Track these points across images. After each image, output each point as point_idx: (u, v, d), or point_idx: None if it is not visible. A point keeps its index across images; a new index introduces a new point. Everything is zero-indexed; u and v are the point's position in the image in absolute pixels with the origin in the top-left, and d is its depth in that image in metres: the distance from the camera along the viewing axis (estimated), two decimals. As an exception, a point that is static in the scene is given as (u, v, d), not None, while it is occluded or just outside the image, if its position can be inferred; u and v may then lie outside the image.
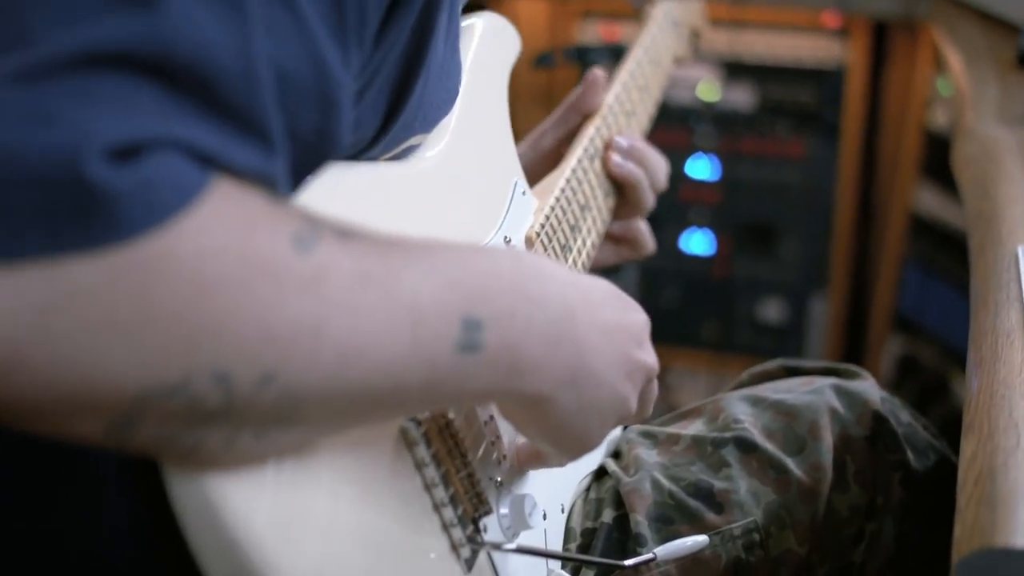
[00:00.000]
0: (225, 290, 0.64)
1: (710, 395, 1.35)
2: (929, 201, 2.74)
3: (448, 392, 0.77)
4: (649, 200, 1.31)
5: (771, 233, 3.02)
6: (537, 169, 1.28)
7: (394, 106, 0.88)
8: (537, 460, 1.01)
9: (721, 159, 3.00)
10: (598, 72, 1.32)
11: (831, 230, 2.99)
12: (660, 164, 1.31)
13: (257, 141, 0.68)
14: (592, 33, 3.01)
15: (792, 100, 2.95)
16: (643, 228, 1.34)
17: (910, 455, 1.19)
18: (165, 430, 0.66)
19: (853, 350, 3.05)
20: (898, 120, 2.88)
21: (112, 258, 0.60)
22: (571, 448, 0.93)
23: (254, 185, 0.68)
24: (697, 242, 3.06)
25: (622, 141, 1.28)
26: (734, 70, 2.96)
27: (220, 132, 0.66)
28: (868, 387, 1.25)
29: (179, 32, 0.64)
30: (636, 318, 0.95)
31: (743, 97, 2.97)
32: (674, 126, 3.01)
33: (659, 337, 3.03)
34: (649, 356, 0.96)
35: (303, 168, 0.77)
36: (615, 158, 1.27)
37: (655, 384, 1.00)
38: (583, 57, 1.97)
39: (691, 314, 3.10)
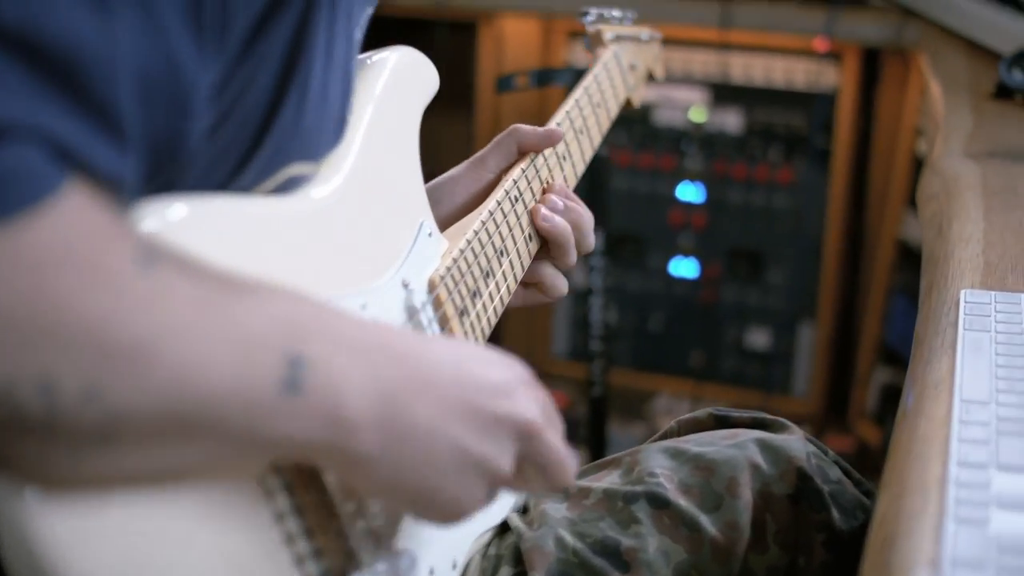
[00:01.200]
0: (62, 296, 0.62)
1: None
2: (918, 230, 2.68)
3: (269, 434, 0.73)
4: (572, 258, 1.24)
5: (759, 259, 2.98)
6: (474, 200, 1.23)
7: (265, 125, 0.84)
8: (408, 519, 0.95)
9: (708, 184, 2.96)
10: (560, 132, 1.27)
11: (819, 257, 2.94)
12: (589, 226, 1.25)
13: (115, 139, 0.67)
14: (582, 54, 2.97)
15: (782, 124, 2.91)
16: (557, 273, 1.27)
17: (835, 515, 1.14)
18: None
19: (840, 379, 3.00)
20: (888, 147, 2.84)
21: None
22: (427, 510, 0.85)
23: (105, 189, 0.67)
24: (684, 267, 3.01)
25: (557, 200, 1.23)
26: (722, 93, 2.92)
27: (81, 125, 0.65)
28: (794, 442, 1.19)
29: (48, 14, 0.63)
30: (496, 372, 0.87)
31: (732, 120, 2.93)
32: (661, 150, 2.97)
33: (645, 364, 3.02)
34: (519, 408, 0.87)
35: (152, 169, 0.74)
36: (543, 212, 1.21)
37: (544, 441, 0.89)
38: (545, 80, 1.93)
39: (678, 341, 3.06)
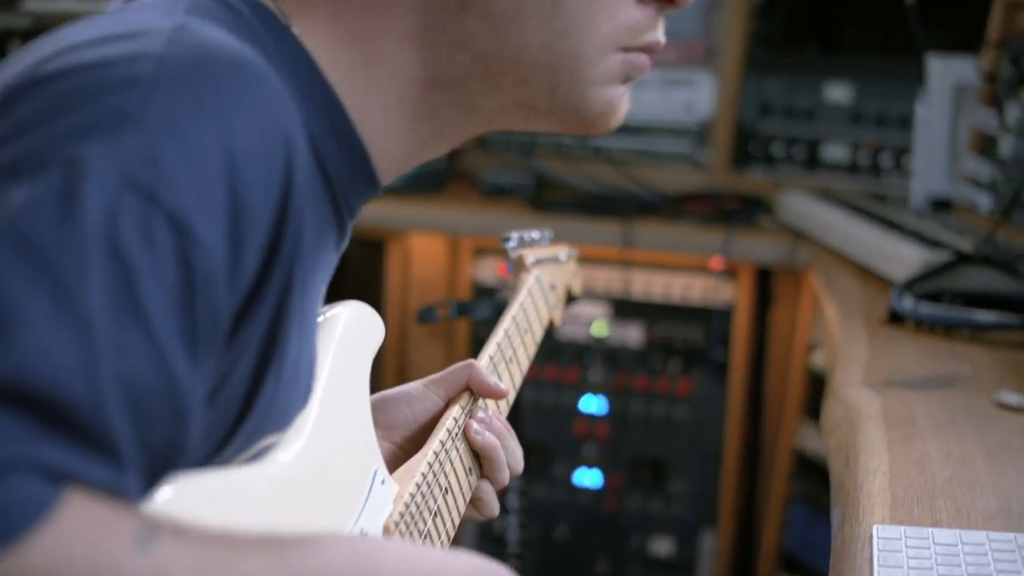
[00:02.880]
0: None
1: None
2: (813, 441, 2.79)
3: None
4: (504, 476, 1.29)
5: (661, 469, 3.06)
6: (424, 419, 1.28)
7: (245, 409, 0.89)
8: None
9: (611, 396, 3.05)
10: (505, 390, 1.33)
11: (720, 467, 3.03)
12: (518, 446, 1.32)
13: (107, 458, 0.71)
14: (487, 270, 3.07)
15: (681, 338, 3.02)
16: (492, 491, 1.32)
17: None
18: None
19: (742, 588, 3.07)
20: (782, 361, 2.96)
21: None
22: None
23: (115, 496, 0.71)
24: (588, 477, 3.08)
25: (484, 415, 1.29)
26: (624, 308, 3.02)
27: (71, 451, 0.69)
28: None
29: (30, 360, 0.68)
30: None
31: (633, 335, 3.03)
32: (567, 363, 3.06)
33: (551, 575, 3.04)
34: None
35: (155, 474, 0.79)
36: (475, 426, 1.28)
37: None
38: (465, 312, 2.01)
39: (583, 550, 3.11)
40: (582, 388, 3.07)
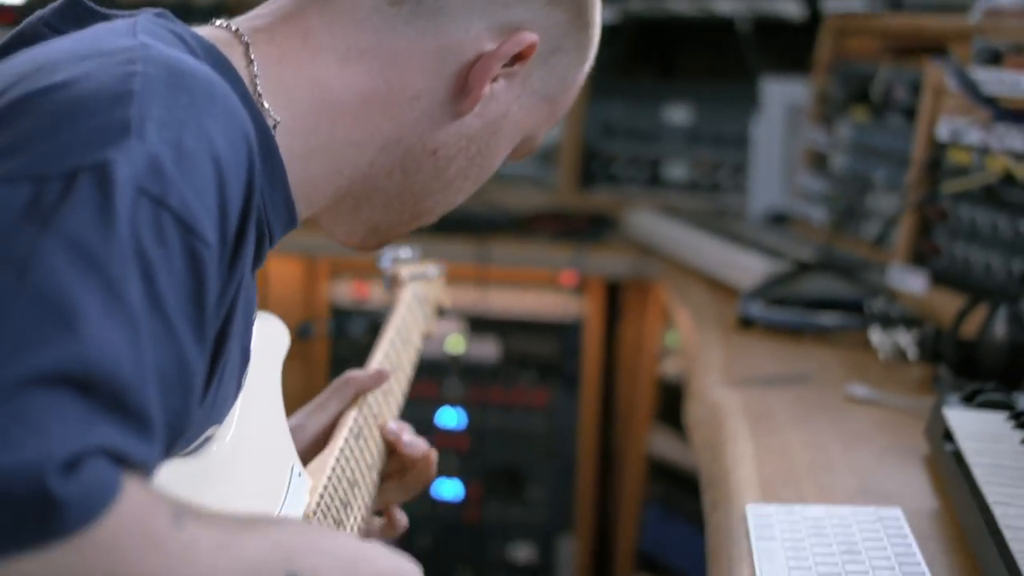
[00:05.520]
0: (132, 564, 0.77)
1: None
2: (664, 445, 2.93)
3: None
4: (433, 475, 1.40)
5: (519, 478, 3.17)
6: (318, 440, 1.37)
7: (199, 402, 0.95)
8: None
9: (469, 409, 3.15)
10: (387, 371, 1.42)
11: (575, 474, 3.15)
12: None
13: (148, 435, 0.80)
14: (343, 291, 3.14)
15: (535, 352, 3.14)
16: (400, 510, 1.42)
17: None
18: None
19: (600, 588, 3.20)
20: (632, 370, 3.10)
21: (54, 552, 0.73)
22: None
23: (144, 472, 0.80)
24: (447, 489, 3.18)
25: (400, 431, 1.38)
26: (479, 325, 3.13)
27: (127, 435, 0.78)
28: None
29: (93, 353, 0.77)
30: (408, 567, 1.02)
31: (488, 350, 3.14)
32: (422, 378, 3.15)
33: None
34: None
35: (168, 447, 0.87)
36: (406, 438, 1.37)
37: None
38: (343, 327, 2.10)
39: (444, 560, 3.20)
40: (439, 402, 3.17)
